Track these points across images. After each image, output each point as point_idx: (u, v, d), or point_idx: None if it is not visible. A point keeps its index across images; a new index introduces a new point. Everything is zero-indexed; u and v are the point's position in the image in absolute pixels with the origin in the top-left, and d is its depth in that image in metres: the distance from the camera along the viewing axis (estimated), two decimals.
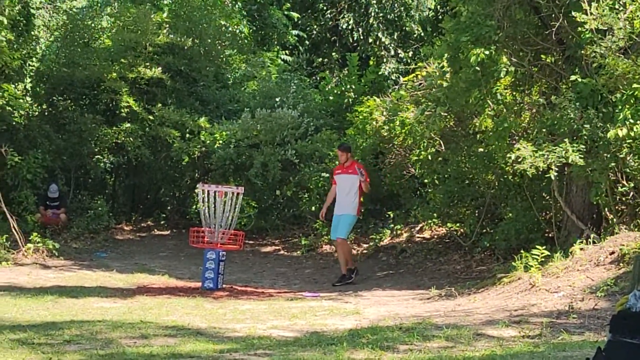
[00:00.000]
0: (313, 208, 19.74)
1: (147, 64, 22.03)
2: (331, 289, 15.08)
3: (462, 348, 8.71)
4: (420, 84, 17.54)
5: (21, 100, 21.06)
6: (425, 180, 18.15)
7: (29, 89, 22.87)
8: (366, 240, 19.21)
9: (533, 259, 12.61)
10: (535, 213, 15.20)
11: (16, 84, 21.56)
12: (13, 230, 17.47)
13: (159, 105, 21.98)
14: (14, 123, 20.52)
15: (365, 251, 18.53)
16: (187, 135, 21.72)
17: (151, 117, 21.97)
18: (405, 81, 18.38)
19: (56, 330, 9.95)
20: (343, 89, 22.14)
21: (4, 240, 17.40)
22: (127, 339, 9.56)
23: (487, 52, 13.32)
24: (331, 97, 22.54)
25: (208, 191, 14.99)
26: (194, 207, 21.10)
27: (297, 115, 20.72)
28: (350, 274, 16.01)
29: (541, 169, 12.91)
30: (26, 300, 12.79)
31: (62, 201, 20.99)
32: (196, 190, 16.62)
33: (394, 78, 22.68)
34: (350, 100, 21.76)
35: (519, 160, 12.94)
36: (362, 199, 16.54)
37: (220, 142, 20.98)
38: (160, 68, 21.96)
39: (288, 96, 22.22)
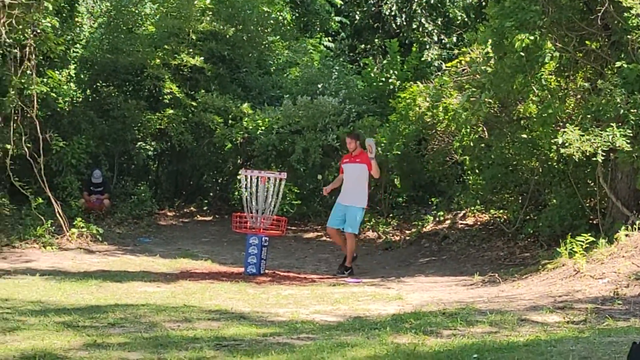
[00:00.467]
0: None
1: (190, 50, 22.08)
2: (374, 275, 15.04)
3: (506, 333, 8.67)
4: (464, 69, 17.44)
5: (65, 87, 21.17)
6: (466, 167, 18.08)
7: (73, 75, 23.00)
8: (409, 227, 19.17)
9: (577, 245, 12.52)
10: (579, 199, 15.08)
11: (60, 71, 21.68)
12: (57, 215, 17.57)
13: (202, 91, 22.03)
14: (58, 109, 20.66)
15: (408, 238, 18.49)
16: (230, 121, 21.75)
17: (194, 104, 22.04)
18: (449, 67, 18.28)
19: (100, 314, 10.02)
20: (386, 75, 22.06)
21: (49, 225, 17.52)
22: (170, 322, 9.60)
23: (531, 38, 13.22)
24: (374, 84, 22.47)
25: (251, 177, 15.01)
26: (237, 192, 21.15)
27: (339, 102, 20.70)
28: (348, 269, 15.39)
29: (588, 154, 12.80)
30: (71, 284, 12.90)
31: (105, 187, 21.11)
32: (239, 176, 16.65)
33: (437, 64, 22.57)
34: (393, 86, 21.68)
35: (566, 144, 12.83)
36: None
37: (263, 128, 21.01)
38: (202, 57, 21.99)
39: (330, 82, 22.19)
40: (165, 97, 22.35)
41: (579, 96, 14.93)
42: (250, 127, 21.18)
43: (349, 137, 15.88)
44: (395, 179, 19.82)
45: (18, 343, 8.20)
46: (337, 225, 15.59)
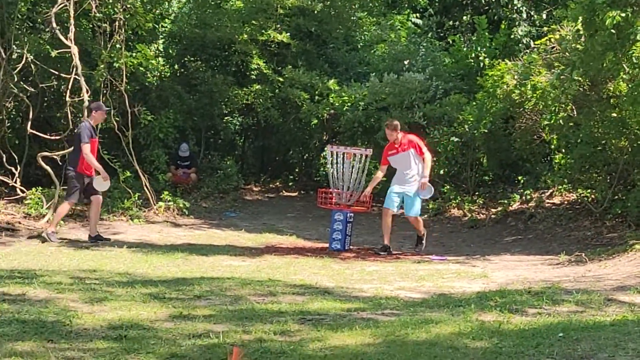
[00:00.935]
0: (442, 172, 19.61)
1: (278, 26, 22.13)
2: (458, 253, 14.97)
3: (593, 313, 8.56)
4: (553, 47, 17.19)
5: (154, 61, 21.39)
6: (553, 146, 17.86)
7: (162, 50, 23.22)
8: (495, 205, 19.01)
9: None
10: None
11: (149, 45, 21.90)
12: (145, 188, 17.80)
13: (289, 67, 22.07)
14: (146, 83, 20.87)
15: (493, 216, 18.35)
16: (316, 97, 21.77)
17: (280, 79, 22.11)
18: (538, 44, 18.02)
19: (186, 286, 10.12)
20: (474, 52, 21.87)
21: (136, 199, 17.74)
22: (255, 296, 9.66)
23: (623, 15, 12.96)
24: (461, 61, 22.29)
25: (336, 153, 15.01)
26: (322, 169, 21.20)
27: (425, 78, 20.59)
28: (385, 248, 14.63)
29: None
30: (157, 256, 13.05)
31: (192, 161, 21.30)
32: (324, 152, 16.66)
33: (525, 41, 22.29)
34: (481, 64, 21.49)
35: None
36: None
37: (349, 104, 20.99)
38: (289, 33, 22.01)
39: (417, 59, 22.08)
40: (252, 72, 22.46)
41: None
42: (337, 104, 21.18)
43: (388, 129, 14.93)
44: (482, 157, 19.65)
45: (105, 313, 8.33)
46: (393, 207, 14.90)
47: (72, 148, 15.26)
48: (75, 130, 15.27)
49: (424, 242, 15.18)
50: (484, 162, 19.76)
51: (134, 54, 19.98)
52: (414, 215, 14.88)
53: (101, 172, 14.86)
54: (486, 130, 18.77)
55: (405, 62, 21.88)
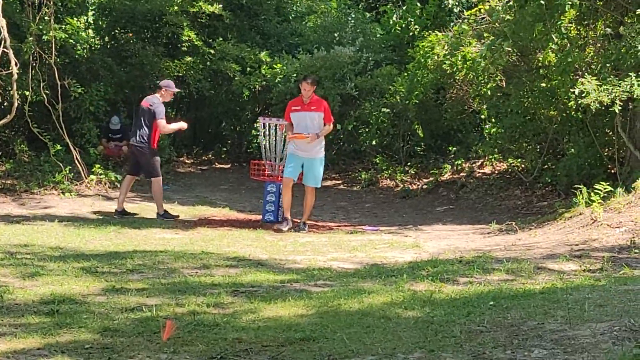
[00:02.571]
0: (373, 142, 19.70)
1: None
2: (391, 223, 15.06)
3: (523, 281, 8.70)
4: (483, 18, 17.32)
5: (83, 34, 21.14)
6: (483, 116, 18.03)
7: (91, 22, 22.95)
8: (426, 175, 19.18)
9: (595, 194, 12.50)
10: (597, 149, 15.04)
11: (78, 17, 21.63)
12: (76, 162, 17.59)
13: (220, 39, 21.97)
14: (76, 56, 20.62)
15: (425, 186, 18.50)
16: (248, 69, 21.72)
17: (212, 51, 21.99)
18: (468, 15, 18.15)
19: (119, 260, 10.10)
20: (404, 23, 21.94)
21: (67, 172, 17.58)
22: (189, 269, 9.68)
23: None
24: (392, 32, 22.35)
25: (269, 124, 15.01)
26: (255, 140, 21.18)
27: (355, 50, 20.62)
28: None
29: (605, 104, 12.76)
30: (89, 230, 12.99)
31: (124, 134, 21.13)
32: (257, 124, 16.63)
33: (456, 12, 22.40)
34: (412, 34, 21.57)
35: (583, 95, 12.79)
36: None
37: (281, 76, 20.96)
38: (220, 4, 21.89)
39: (347, 31, 22.09)
40: (184, 44, 22.30)
41: (598, 45, 14.83)
42: (269, 76, 21.15)
43: (306, 81, 13.88)
44: (417, 129, 19.74)
45: (37, 288, 8.29)
46: (294, 175, 13.96)
47: (139, 124, 15.16)
48: (145, 106, 15.16)
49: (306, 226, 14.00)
50: (420, 132, 19.83)
51: (63, 27, 19.74)
52: (315, 186, 14.09)
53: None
54: (417, 101, 18.87)
55: (336, 35, 21.88)
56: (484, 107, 17.50)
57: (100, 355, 6.01)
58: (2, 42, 16.39)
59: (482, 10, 17.40)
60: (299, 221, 14.09)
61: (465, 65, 17.06)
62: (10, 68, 16.48)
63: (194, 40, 21.85)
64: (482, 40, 16.22)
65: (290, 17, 24.72)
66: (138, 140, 15.05)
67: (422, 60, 18.60)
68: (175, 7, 21.69)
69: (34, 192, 17.04)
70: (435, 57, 17.95)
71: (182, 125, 15.95)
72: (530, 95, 16.08)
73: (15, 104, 16.61)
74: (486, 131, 17.91)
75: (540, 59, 15.52)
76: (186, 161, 22.47)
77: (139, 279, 9.01)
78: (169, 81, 15.80)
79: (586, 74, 13.49)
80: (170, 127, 15.66)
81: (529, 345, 6.08)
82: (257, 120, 16.30)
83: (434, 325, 6.77)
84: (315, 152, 13.86)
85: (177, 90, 16.03)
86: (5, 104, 17.75)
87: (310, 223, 14.66)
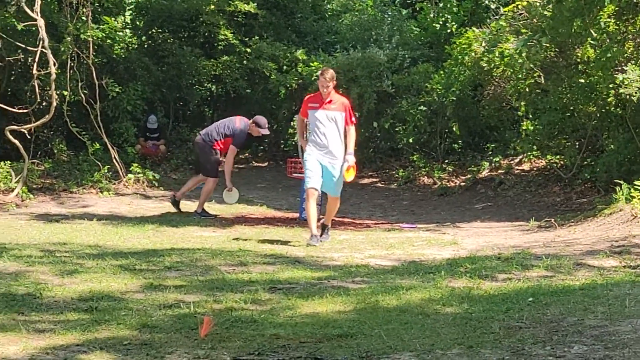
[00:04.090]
0: (410, 140, 19.63)
1: None
2: (429, 221, 15.00)
3: (562, 277, 8.63)
4: (521, 14, 17.20)
5: (121, 33, 21.25)
6: (521, 113, 17.91)
7: (129, 21, 23.06)
8: (464, 173, 19.08)
9: (635, 190, 12.38)
10: (637, 144, 14.88)
11: (116, 17, 21.74)
12: (114, 161, 17.71)
13: (256, 38, 22.00)
14: (114, 56, 20.74)
15: (463, 183, 18.42)
16: (284, 67, 21.72)
17: (248, 50, 22.02)
18: (506, 11, 18.03)
19: (157, 257, 10.11)
20: (441, 20, 21.85)
21: (106, 171, 17.68)
22: (226, 266, 9.67)
23: None
24: (429, 29, 22.26)
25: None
26: (292, 139, 21.20)
27: (392, 48, 20.57)
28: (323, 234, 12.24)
29: None
30: (127, 228, 13.04)
31: (161, 132, 21.22)
32: (293, 122, 16.61)
33: (493, 8, 22.27)
34: (449, 31, 21.47)
35: (625, 83, 12.66)
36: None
37: (317, 74, 20.93)
38: (255, 4, 21.90)
39: (383, 28, 22.04)
40: (220, 43, 22.35)
41: (638, 40, 14.69)
42: (305, 74, 21.14)
43: (324, 76, 12.00)
44: (454, 126, 19.62)
45: (76, 285, 8.31)
46: (318, 185, 12.05)
47: (219, 128, 14.90)
48: (235, 121, 14.94)
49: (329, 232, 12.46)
50: (456, 130, 19.71)
51: (100, 26, 19.84)
52: (336, 196, 12.27)
53: (228, 184, 14.89)
54: (455, 99, 18.77)
55: (373, 32, 21.83)
56: (522, 103, 17.37)
57: (139, 352, 6.02)
58: (41, 42, 16.52)
59: (519, 7, 17.29)
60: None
61: (503, 62, 16.95)
62: (49, 68, 16.62)
63: (231, 39, 21.90)
64: (520, 37, 16.11)
65: (327, 15, 24.71)
66: (205, 136, 14.90)
67: (459, 57, 18.50)
68: (212, 6, 21.75)
69: (73, 191, 17.13)
70: (473, 54, 17.85)
71: (230, 186, 14.93)
72: (569, 91, 15.95)
73: (54, 104, 16.76)
74: (524, 128, 17.78)
75: (579, 54, 15.40)
76: (223, 160, 22.50)
77: (176, 276, 9.02)
78: (263, 120, 15.24)
79: (629, 64, 13.37)
80: (228, 166, 14.86)
81: (569, 341, 6.03)
82: (294, 119, 16.28)
83: (473, 322, 6.73)
84: (338, 157, 11.93)
85: (266, 133, 15.63)
86: (44, 103, 17.84)
87: (347, 221, 14.64)
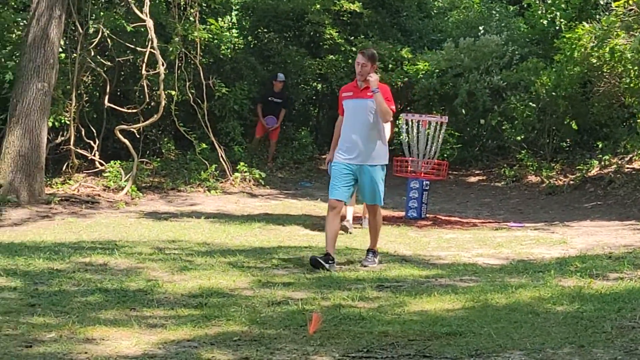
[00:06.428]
0: (518, 138, 19.42)
1: None
2: (537, 220, 14.82)
3: None
4: (631, 9, 16.89)
5: (227, 33, 21.44)
6: (635, 110, 17.57)
7: (235, 22, 23.26)
8: (573, 171, 18.79)
9: None
10: None
11: (222, 18, 21.96)
12: (221, 160, 17.91)
13: (361, 36, 22.02)
14: (220, 56, 20.94)
15: (572, 182, 18.14)
16: (390, 66, 21.68)
17: (353, 49, 22.04)
18: (616, 6, 17.72)
19: (265, 255, 10.18)
20: (549, 16, 21.56)
21: (213, 170, 17.87)
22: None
23: None
24: (537, 26, 21.99)
25: (411, 121, 14.96)
26: (397, 137, 21.14)
27: (502, 41, 20.39)
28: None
29: None
30: (235, 226, 13.15)
31: (285, 100, 20.75)
32: (399, 121, 16.57)
33: (602, 3, 21.91)
34: (557, 28, 21.18)
35: None
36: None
37: (423, 72, 20.88)
38: (360, 3, 21.88)
39: (491, 25, 21.86)
40: (325, 42, 22.41)
41: None
42: (411, 72, 21.08)
43: (364, 56, 9.90)
44: (570, 122, 19.27)
45: (186, 282, 8.41)
46: (345, 197, 10.05)
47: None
48: None
49: (377, 255, 10.11)
50: (573, 125, 19.37)
51: (207, 27, 20.06)
52: (376, 204, 10.08)
53: None
54: (564, 94, 18.50)
55: (480, 28, 21.66)
56: (634, 100, 17.04)
57: (248, 347, 6.06)
58: (150, 43, 16.79)
59: (630, 2, 16.97)
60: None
61: (614, 58, 16.64)
62: (157, 68, 16.89)
63: (336, 39, 21.94)
64: (631, 32, 15.80)
65: (432, 13, 24.60)
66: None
67: (569, 52, 18.21)
68: (317, 6, 21.81)
69: (181, 189, 17.36)
70: (582, 49, 17.57)
71: None
72: None
73: (163, 104, 17.02)
74: (636, 125, 17.43)
75: None
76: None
77: (284, 273, 9.07)
78: None
79: None
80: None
81: None
82: (400, 117, 16.23)
83: (584, 321, 6.63)
84: (373, 156, 9.92)
85: None
86: (152, 103, 18.10)
87: (454, 220, 14.54)
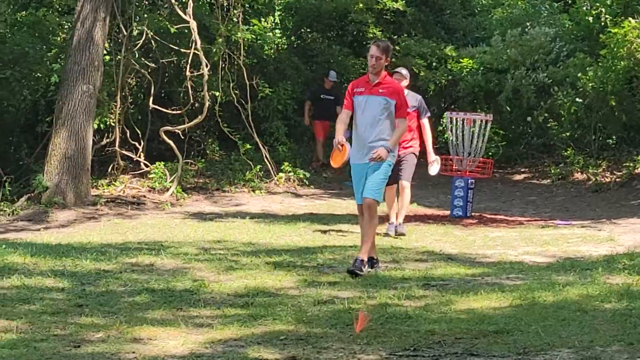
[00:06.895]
0: (564, 135, 19.29)
1: None
2: (583, 217, 14.70)
3: None
4: None
5: (270, 34, 21.49)
6: None
7: (278, 22, 23.29)
8: (619, 169, 18.62)
9: None
10: None
11: (265, 18, 21.99)
12: (265, 160, 17.93)
13: (404, 35, 21.97)
14: (264, 56, 20.97)
15: (618, 179, 17.98)
16: (434, 64, 21.62)
17: (397, 48, 21.99)
18: None
19: (310, 255, 10.19)
20: (595, 12, 21.38)
21: (257, 170, 17.90)
22: (379, 263, 9.65)
23: None
24: (582, 22, 21.82)
25: (456, 119, 14.91)
26: (442, 135, 21.07)
27: (551, 34, 20.24)
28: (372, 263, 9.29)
29: None
30: (280, 226, 13.18)
31: (337, 96, 19.51)
32: (444, 119, 16.52)
33: None
34: (602, 24, 20.99)
35: None
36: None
37: (468, 69, 20.80)
38: (404, 1, 21.81)
39: (538, 21, 21.72)
40: (369, 42, 22.36)
41: None
42: (455, 70, 21.01)
43: (378, 48, 9.38)
44: (621, 116, 19.06)
45: (232, 282, 8.44)
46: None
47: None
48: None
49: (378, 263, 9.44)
50: (611, 123, 19.19)
51: (251, 27, 20.10)
52: (371, 198, 9.33)
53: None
54: (611, 89, 18.32)
55: (528, 24, 21.51)
56: None
57: (295, 346, 6.06)
58: (193, 44, 16.85)
59: None
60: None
61: None
62: (201, 69, 16.95)
63: (379, 37, 21.89)
64: None
65: (476, 11, 24.50)
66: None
67: (615, 48, 18.02)
68: (360, 5, 21.76)
69: (225, 190, 17.42)
70: (628, 45, 17.38)
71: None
72: None
73: (207, 105, 17.08)
74: None
75: None
76: None
77: (330, 273, 9.06)
78: None
79: None
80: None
81: None
82: (444, 115, 16.17)
83: (633, 318, 6.58)
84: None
85: None
86: (196, 104, 18.16)
87: (500, 218, 14.46)
